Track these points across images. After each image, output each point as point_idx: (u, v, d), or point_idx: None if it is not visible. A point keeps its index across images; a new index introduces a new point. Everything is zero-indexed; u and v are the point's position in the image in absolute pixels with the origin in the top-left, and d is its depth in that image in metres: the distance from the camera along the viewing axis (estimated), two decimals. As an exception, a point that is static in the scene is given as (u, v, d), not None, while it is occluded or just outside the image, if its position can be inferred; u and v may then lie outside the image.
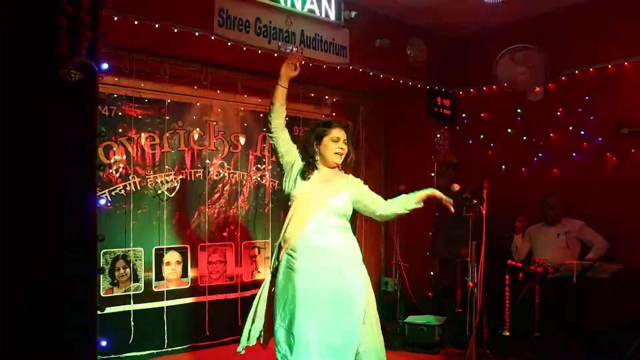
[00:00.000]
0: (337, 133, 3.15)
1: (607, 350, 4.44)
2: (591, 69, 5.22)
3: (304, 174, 3.13)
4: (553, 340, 4.79)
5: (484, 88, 6.01)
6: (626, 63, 5.01)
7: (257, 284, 5.53)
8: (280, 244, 3.17)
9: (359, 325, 2.98)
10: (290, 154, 3.19)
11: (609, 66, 5.11)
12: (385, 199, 3.30)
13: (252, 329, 3.19)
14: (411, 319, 5.17)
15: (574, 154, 5.38)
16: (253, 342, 3.20)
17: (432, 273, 5.89)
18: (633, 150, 5.00)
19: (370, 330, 3.05)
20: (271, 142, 3.23)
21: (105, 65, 1.59)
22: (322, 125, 3.24)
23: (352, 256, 3.11)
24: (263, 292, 3.22)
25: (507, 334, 4.56)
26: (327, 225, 3.05)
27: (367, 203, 3.24)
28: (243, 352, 3.18)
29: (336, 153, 3.13)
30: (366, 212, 3.29)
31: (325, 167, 3.18)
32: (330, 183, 3.14)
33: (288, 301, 2.98)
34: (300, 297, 2.94)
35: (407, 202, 3.26)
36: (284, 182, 3.23)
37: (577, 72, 5.30)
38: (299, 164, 3.17)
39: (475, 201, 4.30)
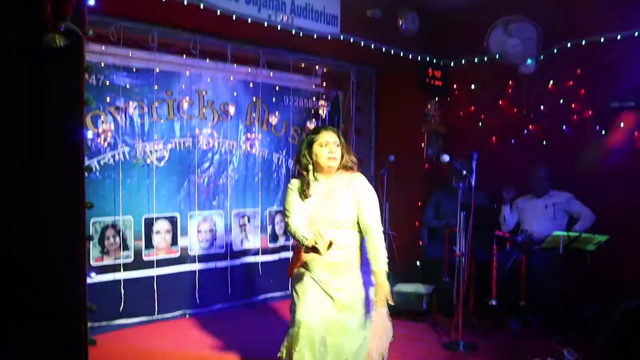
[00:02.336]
0: (325, 137, 3.04)
1: (591, 321, 4.53)
2: (583, 42, 5.20)
3: (302, 194, 3.06)
4: (538, 309, 4.88)
5: (476, 60, 5.98)
6: (618, 36, 4.99)
7: (246, 253, 5.58)
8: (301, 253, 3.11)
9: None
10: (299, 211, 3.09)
11: (601, 39, 5.09)
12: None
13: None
14: (400, 287, 5.23)
15: (563, 127, 5.40)
16: None
17: (420, 242, 5.95)
18: (622, 124, 5.02)
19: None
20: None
21: (90, 32, 1.57)
22: (311, 133, 3.15)
23: (354, 273, 3.09)
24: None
25: (494, 302, 4.63)
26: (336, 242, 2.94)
27: (360, 214, 3.08)
28: None
29: (329, 158, 3.02)
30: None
31: (323, 176, 3.09)
32: (331, 196, 3.05)
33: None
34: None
35: (372, 263, 3.05)
36: None
37: (569, 44, 5.28)
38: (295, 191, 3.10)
39: (465, 172, 4.33)
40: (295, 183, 3.11)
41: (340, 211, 3.01)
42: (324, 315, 2.99)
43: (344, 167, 3.11)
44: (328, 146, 3.03)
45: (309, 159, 3.07)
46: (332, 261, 3.00)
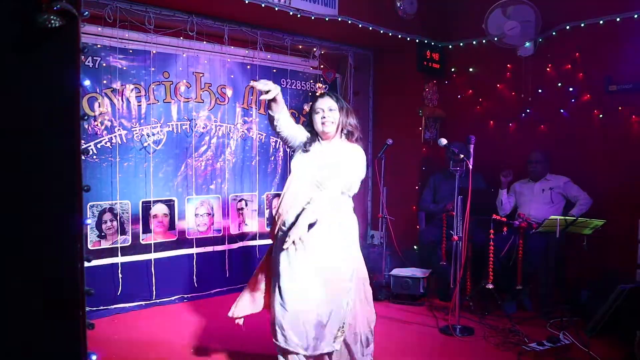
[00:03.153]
0: (321, 104, 3.14)
1: (587, 304, 4.57)
2: (582, 25, 5.17)
3: (305, 145, 3.16)
4: (535, 293, 4.91)
5: (474, 42, 5.95)
6: (617, 19, 4.96)
7: (244, 237, 5.58)
8: (275, 217, 3.19)
9: (345, 301, 3.07)
10: (296, 136, 3.19)
11: (600, 22, 5.06)
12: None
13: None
14: (397, 271, 5.25)
15: (562, 111, 5.39)
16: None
17: (417, 226, 5.95)
18: (620, 108, 5.01)
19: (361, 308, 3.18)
20: (278, 136, 3.22)
21: (86, 13, 1.54)
22: (312, 100, 3.27)
23: (341, 237, 3.11)
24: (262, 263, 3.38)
25: (491, 286, 4.65)
26: (319, 203, 2.99)
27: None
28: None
29: (322, 123, 3.11)
30: None
31: (326, 141, 3.18)
32: (329, 158, 3.10)
33: (280, 275, 3.06)
34: (288, 272, 3.03)
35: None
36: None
37: (567, 27, 5.24)
38: (304, 139, 3.20)
39: (462, 156, 4.32)
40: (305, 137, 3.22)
41: (331, 174, 3.04)
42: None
43: (347, 136, 3.20)
44: (321, 112, 3.12)
45: (311, 126, 3.18)
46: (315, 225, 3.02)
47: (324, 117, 3.11)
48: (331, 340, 3.04)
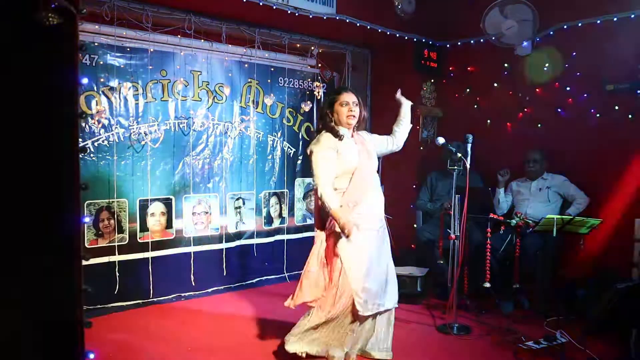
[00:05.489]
0: (346, 97, 3.46)
1: (584, 303, 4.57)
2: (579, 24, 5.18)
3: (337, 136, 3.42)
4: (532, 292, 4.92)
5: (472, 41, 5.96)
6: (614, 19, 4.97)
7: (241, 235, 5.57)
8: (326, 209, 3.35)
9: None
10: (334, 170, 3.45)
11: (597, 22, 5.07)
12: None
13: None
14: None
15: (559, 110, 5.39)
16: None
17: (415, 225, 5.95)
18: (617, 107, 5.02)
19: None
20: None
21: (84, 10, 1.54)
22: (332, 94, 3.58)
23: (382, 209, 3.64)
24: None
25: (488, 285, 4.66)
26: (377, 187, 3.58)
27: (384, 148, 3.77)
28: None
29: (348, 116, 3.45)
30: (385, 153, 3.85)
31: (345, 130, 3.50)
32: (362, 145, 3.53)
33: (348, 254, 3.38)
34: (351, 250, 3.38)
35: (402, 125, 3.87)
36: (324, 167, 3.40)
37: (565, 27, 5.25)
38: (332, 146, 3.42)
39: (460, 155, 4.33)
40: (328, 137, 3.43)
41: (375, 160, 3.57)
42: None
43: (358, 127, 3.58)
44: (348, 105, 3.46)
45: (331, 117, 3.48)
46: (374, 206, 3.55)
47: (352, 111, 3.45)
48: (393, 297, 3.64)
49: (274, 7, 4.69)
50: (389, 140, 3.79)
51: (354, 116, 3.47)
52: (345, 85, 3.55)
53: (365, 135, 3.67)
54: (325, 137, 3.44)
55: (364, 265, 3.37)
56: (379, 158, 3.70)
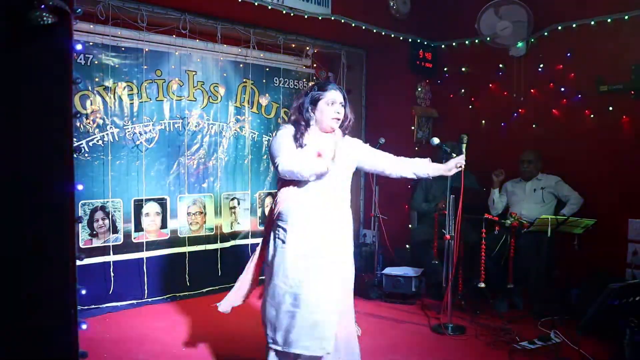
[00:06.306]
0: (333, 95, 2.99)
1: (578, 303, 4.59)
2: (574, 25, 5.20)
3: (297, 139, 2.94)
4: (526, 292, 4.93)
5: (466, 42, 5.97)
6: (608, 20, 5.00)
7: (236, 235, 5.57)
8: (276, 214, 3.10)
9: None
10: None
11: (591, 23, 5.09)
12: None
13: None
14: (389, 270, 5.25)
15: (553, 110, 5.41)
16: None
17: (410, 225, 5.97)
18: (611, 108, 5.04)
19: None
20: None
21: (79, 10, 1.54)
22: (318, 89, 3.04)
23: (346, 232, 3.11)
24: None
25: (482, 285, 4.67)
26: (330, 195, 2.99)
27: (374, 162, 3.21)
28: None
29: (333, 118, 2.99)
30: (375, 171, 3.29)
31: (322, 132, 3.03)
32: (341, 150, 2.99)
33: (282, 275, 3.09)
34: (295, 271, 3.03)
35: (419, 169, 3.22)
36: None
37: (559, 28, 5.27)
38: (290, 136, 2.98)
39: (454, 155, 4.32)
40: (289, 128, 3.00)
41: (348, 171, 3.08)
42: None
43: (342, 128, 3.10)
44: (334, 105, 3.00)
45: (312, 114, 3.00)
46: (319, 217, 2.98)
47: (338, 113, 3.01)
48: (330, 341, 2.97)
49: (269, 7, 4.69)
50: (387, 159, 3.24)
51: (338, 119, 3.01)
52: (331, 81, 3.20)
53: (351, 141, 3.17)
54: (288, 127, 3.03)
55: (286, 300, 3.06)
56: (360, 171, 3.31)
